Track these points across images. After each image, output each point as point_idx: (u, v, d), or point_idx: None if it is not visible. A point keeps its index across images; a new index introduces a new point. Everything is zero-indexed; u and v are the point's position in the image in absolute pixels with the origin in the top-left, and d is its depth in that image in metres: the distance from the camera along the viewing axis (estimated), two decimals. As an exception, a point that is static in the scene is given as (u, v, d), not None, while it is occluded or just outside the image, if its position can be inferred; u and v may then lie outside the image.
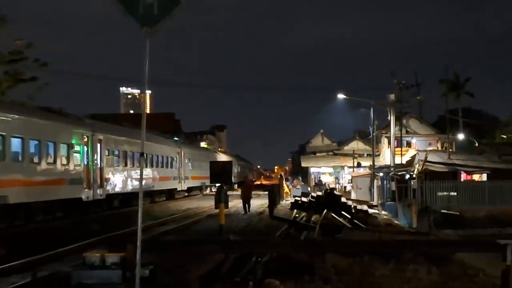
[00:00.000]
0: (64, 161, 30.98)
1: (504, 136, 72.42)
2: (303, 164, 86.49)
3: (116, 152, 38.46)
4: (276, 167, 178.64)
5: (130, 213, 29.86)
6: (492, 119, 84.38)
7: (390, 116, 51.02)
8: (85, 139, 33.37)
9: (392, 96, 50.25)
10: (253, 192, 65.63)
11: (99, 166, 34.77)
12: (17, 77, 49.25)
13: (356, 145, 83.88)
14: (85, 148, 33.30)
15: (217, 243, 14.02)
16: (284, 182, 67.92)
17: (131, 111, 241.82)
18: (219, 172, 22.40)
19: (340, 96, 59.63)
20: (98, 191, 34.27)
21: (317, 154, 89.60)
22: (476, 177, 49.35)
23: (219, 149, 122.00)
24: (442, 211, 37.97)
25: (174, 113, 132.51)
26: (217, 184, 24.15)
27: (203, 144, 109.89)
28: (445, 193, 41.16)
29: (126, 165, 39.40)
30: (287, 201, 47.79)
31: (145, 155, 33.65)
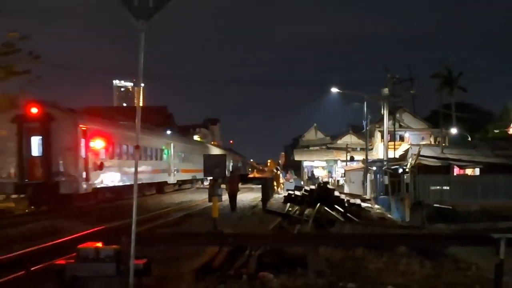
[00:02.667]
0: (160, 159, 51.39)
1: (497, 131, 72.55)
2: (296, 158, 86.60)
3: (180, 153, 58.27)
4: (269, 161, 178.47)
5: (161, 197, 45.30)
6: (485, 113, 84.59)
7: (384, 110, 51.12)
8: (167, 145, 54.04)
9: (385, 90, 50.38)
10: (245, 186, 66.03)
11: (173, 162, 55.00)
12: (10, 70, 49.13)
13: (350, 139, 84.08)
14: (167, 151, 53.78)
15: (210, 236, 14.03)
16: (280, 174, 68.01)
17: (124, 104, 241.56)
18: (212, 166, 22.35)
19: (334, 90, 59.74)
20: (173, 177, 55.25)
21: (310, 148, 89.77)
22: (469, 171, 49.49)
23: (212, 142, 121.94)
24: (435, 205, 38.05)
25: (166, 106, 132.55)
26: (209, 178, 24.18)
27: (196, 137, 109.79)
28: (438, 187, 41.26)
29: (183, 160, 58.90)
30: (280, 195, 47.81)
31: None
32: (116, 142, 39.59)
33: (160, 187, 51.56)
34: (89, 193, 35.05)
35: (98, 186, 36.45)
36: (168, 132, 73.27)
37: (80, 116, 36.73)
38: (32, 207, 33.12)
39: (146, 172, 45.82)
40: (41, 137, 33.23)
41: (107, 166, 37.42)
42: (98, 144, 35.70)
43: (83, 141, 34.19)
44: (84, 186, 34.27)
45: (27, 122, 33.11)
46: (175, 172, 56.16)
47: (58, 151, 33.10)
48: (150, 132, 52.72)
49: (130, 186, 38.44)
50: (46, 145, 33.19)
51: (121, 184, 39.57)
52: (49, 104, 35.32)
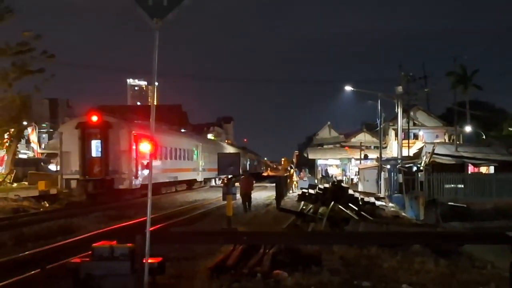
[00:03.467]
0: (191, 159, 56.73)
1: (512, 129, 72.27)
2: (310, 156, 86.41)
3: (206, 154, 62.36)
4: (283, 159, 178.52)
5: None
6: (499, 111, 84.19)
7: (398, 108, 50.93)
8: (196, 147, 59.87)
9: (399, 88, 50.18)
10: (260, 184, 66.11)
11: (200, 161, 60.88)
12: (24, 69, 49.40)
13: (363, 137, 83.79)
14: (196, 152, 59.57)
15: (224, 235, 14.05)
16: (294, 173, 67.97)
17: (138, 103, 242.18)
18: (227, 164, 22.38)
19: (348, 88, 59.62)
20: (200, 176, 60.71)
21: (324, 146, 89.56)
22: (483, 169, 49.30)
23: (226, 141, 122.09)
24: (449, 203, 37.92)
25: (180, 104, 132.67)
26: (223, 176, 24.31)
27: (210, 136, 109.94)
28: (452, 185, 41.09)
29: (208, 160, 61.62)
30: (294, 193, 47.78)
31: (172, 148, 50.60)
32: (158, 145, 44.32)
33: (191, 184, 58.12)
34: (137, 188, 40.98)
35: (145, 183, 38.96)
36: (183, 130, 76.20)
37: (132, 124, 43.39)
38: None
39: (180, 170, 52.29)
40: (100, 141, 39.38)
41: (207, 165, 56.71)
42: (145, 147, 37.14)
43: (134, 145, 39.87)
44: (134, 182, 40.38)
45: (89, 128, 39.27)
46: (202, 171, 61.96)
47: (114, 153, 39.59)
48: (183, 135, 62.77)
49: (168, 183, 49.39)
50: (104, 147, 39.36)
51: (161, 181, 46.17)
52: (107, 114, 43.31)
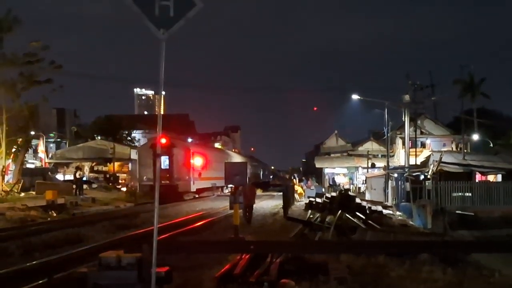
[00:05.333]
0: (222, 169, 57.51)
1: (519, 137, 72.00)
2: (317, 165, 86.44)
3: None
4: (290, 168, 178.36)
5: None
6: (507, 119, 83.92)
7: (405, 116, 50.86)
8: (226, 159, 60.61)
9: (406, 97, 50.15)
10: (266, 193, 66.20)
11: None
12: (32, 79, 49.57)
13: (371, 145, 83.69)
14: None
15: (231, 244, 14.05)
16: (297, 182, 67.96)
17: (145, 112, 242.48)
18: (233, 173, 22.35)
19: (355, 97, 59.59)
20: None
21: (331, 155, 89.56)
22: (491, 177, 49.19)
23: (233, 150, 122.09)
24: (457, 211, 37.82)
25: (188, 114, 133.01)
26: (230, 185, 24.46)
27: (217, 145, 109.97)
28: (460, 193, 41.02)
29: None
30: (301, 202, 47.72)
31: (211, 161, 60.69)
32: (207, 159, 58.25)
33: (222, 188, 65.99)
34: (194, 191, 56.49)
35: (198, 187, 57.68)
36: (189, 140, 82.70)
37: (189, 144, 66.37)
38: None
39: (216, 178, 59.27)
40: (167, 157, 53.04)
41: (202, 175, 57.57)
42: (198, 161, 56.71)
43: (191, 159, 55.24)
44: (192, 187, 55.80)
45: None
46: None
47: (177, 165, 54.30)
48: (217, 150, 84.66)
49: (208, 188, 60.98)
50: (170, 162, 53.68)
51: (204, 186, 59.68)
52: (172, 137, 59.43)
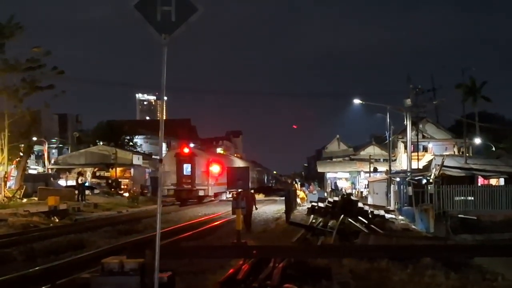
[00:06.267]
0: None
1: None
2: (319, 170, 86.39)
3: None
4: (292, 173, 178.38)
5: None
6: (509, 123, 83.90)
7: (407, 121, 50.85)
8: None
9: (408, 101, 50.14)
10: (269, 198, 66.21)
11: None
12: (34, 85, 49.62)
13: (373, 150, 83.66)
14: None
15: (234, 249, 14.04)
16: (299, 187, 67.96)
17: (147, 118, 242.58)
18: (235, 178, 22.36)
19: (356, 101, 59.59)
20: (250, 185, 65.37)
21: (333, 159, 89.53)
22: (493, 181, 49.11)
23: (235, 155, 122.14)
24: (459, 215, 37.78)
25: (189, 119, 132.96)
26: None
27: (219, 150, 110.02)
28: (462, 197, 40.98)
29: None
30: (303, 207, 47.68)
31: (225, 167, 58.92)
32: (222, 167, 59.04)
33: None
34: (211, 195, 61.74)
35: (215, 192, 62.57)
36: (192, 145, 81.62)
37: (208, 153, 74.64)
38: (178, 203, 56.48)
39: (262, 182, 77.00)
40: (189, 164, 59.57)
41: (219, 181, 59.58)
42: (215, 168, 60.78)
43: (210, 167, 60.66)
44: (210, 191, 60.96)
45: (182, 156, 59.82)
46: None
47: (197, 172, 59.80)
48: (229, 157, 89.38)
49: (221, 192, 65.14)
50: (191, 169, 59.47)
51: (222, 190, 63.79)
52: (193, 147, 71.04)
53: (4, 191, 46.16)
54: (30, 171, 64.41)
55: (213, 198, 62.38)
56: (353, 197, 43.76)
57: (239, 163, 75.18)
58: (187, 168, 59.27)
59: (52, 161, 74.77)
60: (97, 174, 73.15)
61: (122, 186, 68.00)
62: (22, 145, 55.29)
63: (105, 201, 50.01)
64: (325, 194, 62.73)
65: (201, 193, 59.60)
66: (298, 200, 54.05)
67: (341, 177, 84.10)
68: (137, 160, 76.17)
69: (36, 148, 68.83)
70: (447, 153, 63.03)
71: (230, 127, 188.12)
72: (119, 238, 25.35)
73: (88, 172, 70.23)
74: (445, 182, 41.98)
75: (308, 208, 41.11)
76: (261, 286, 11.98)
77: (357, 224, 28.89)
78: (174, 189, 58.23)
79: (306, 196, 59.57)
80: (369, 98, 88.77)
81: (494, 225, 36.54)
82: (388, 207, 47.72)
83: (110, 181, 68.29)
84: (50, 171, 67.80)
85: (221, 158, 73.92)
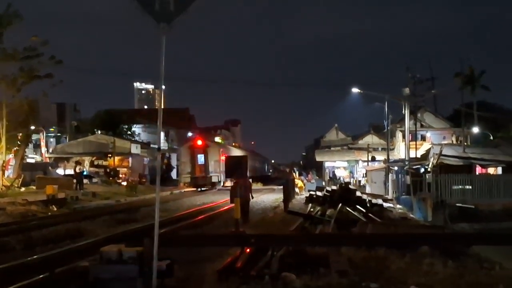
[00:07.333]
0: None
1: (520, 130, 72.01)
2: (318, 159, 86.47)
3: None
4: (290, 162, 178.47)
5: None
6: (507, 112, 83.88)
7: (405, 110, 50.87)
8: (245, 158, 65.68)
9: (406, 90, 50.16)
10: (267, 187, 66.29)
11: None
12: (32, 74, 49.53)
13: (371, 139, 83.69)
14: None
15: (232, 237, 14.07)
16: (297, 176, 68.09)
17: (145, 107, 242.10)
18: (234, 167, 22.36)
19: (355, 90, 59.56)
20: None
21: (332, 148, 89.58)
22: (491, 170, 49.18)
23: (234, 144, 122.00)
24: (457, 204, 37.87)
25: (188, 108, 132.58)
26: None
27: (217, 139, 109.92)
28: (460, 186, 41.03)
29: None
30: (301, 196, 47.73)
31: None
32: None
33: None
34: (223, 182, 65.96)
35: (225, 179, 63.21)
36: (190, 134, 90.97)
37: (220, 145, 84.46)
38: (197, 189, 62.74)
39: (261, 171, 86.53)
40: (203, 155, 65.81)
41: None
42: None
43: (221, 157, 63.66)
44: (222, 178, 64.81)
45: (196, 148, 66.28)
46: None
47: (211, 161, 66.01)
48: (241, 150, 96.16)
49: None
50: (205, 159, 65.50)
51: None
52: (206, 139, 74.75)
53: (2, 180, 46.11)
54: (28, 160, 64.32)
55: (223, 185, 66.13)
56: (351, 186, 43.86)
57: (238, 152, 77.63)
58: (200, 158, 65.80)
59: (50, 150, 74.70)
60: (95, 163, 73.01)
61: (120, 175, 67.90)
62: (20, 134, 55.23)
63: (103, 190, 49.95)
64: (323, 183, 62.77)
65: (214, 179, 65.95)
66: (296, 189, 54.06)
67: (339, 166, 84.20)
68: (135, 149, 76.04)
69: (34, 137, 68.75)
70: (445, 142, 63.09)
71: (229, 116, 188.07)
72: (117, 227, 25.39)
73: (86, 161, 70.15)
74: (443, 171, 42.01)
75: (306, 197, 41.19)
76: (259, 275, 12.02)
77: (355, 213, 28.94)
78: (191, 176, 65.18)
79: (304, 185, 59.63)
80: (367, 87, 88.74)
81: (491, 214, 36.64)
82: (386, 196, 47.81)
83: (108, 170, 68.21)
84: (48, 160, 67.77)
85: (231, 150, 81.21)
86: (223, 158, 62.27)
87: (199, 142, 67.66)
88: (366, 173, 69.59)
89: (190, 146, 68.23)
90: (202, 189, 63.20)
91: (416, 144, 55.62)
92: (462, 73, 69.39)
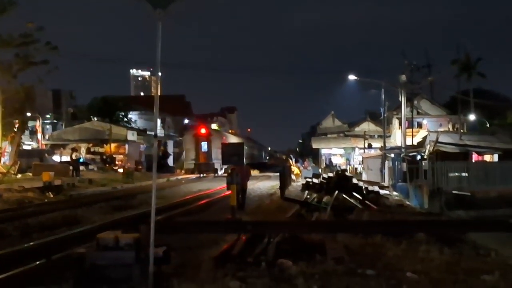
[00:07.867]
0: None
1: (516, 117, 72.08)
2: (314, 146, 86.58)
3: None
4: (287, 149, 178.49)
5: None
6: (503, 99, 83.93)
7: (401, 97, 50.88)
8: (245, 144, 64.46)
9: (403, 77, 50.15)
10: (264, 174, 66.41)
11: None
12: (28, 60, 49.46)
13: (367, 126, 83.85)
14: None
15: (229, 224, 14.08)
16: (293, 163, 68.16)
17: (142, 93, 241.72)
18: (231, 154, 22.37)
19: (351, 77, 59.52)
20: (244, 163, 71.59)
21: (328, 136, 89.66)
22: (487, 157, 49.23)
23: (230, 131, 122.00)
24: (454, 192, 37.85)
25: (184, 95, 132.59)
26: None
27: (213, 126, 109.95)
28: (456, 174, 41.00)
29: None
30: (298, 183, 47.77)
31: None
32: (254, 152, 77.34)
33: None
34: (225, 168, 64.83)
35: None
36: (186, 121, 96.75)
37: (222, 133, 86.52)
38: (200, 175, 66.33)
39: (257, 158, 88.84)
40: (206, 142, 70.82)
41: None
42: None
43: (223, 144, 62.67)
44: (225, 166, 60.17)
45: (200, 136, 72.03)
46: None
47: (213, 149, 67.76)
48: (243, 138, 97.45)
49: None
50: (208, 146, 70.31)
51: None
52: (210, 128, 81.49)
53: (-1, 167, 46.13)
54: (25, 147, 64.23)
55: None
56: (347, 173, 43.90)
57: (235, 140, 79.09)
58: (204, 146, 70.97)
59: (47, 137, 74.66)
60: (92, 150, 72.96)
61: (117, 162, 67.89)
62: (16, 120, 55.17)
63: (100, 177, 49.95)
64: (320, 170, 62.80)
65: (216, 166, 68.18)
66: (293, 176, 54.09)
67: (335, 153, 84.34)
68: (131, 136, 76.01)
69: (30, 124, 68.69)
70: (442, 129, 63.25)
71: (225, 103, 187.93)
72: (114, 213, 25.39)
73: (83, 148, 70.04)
74: (439, 158, 41.99)
75: (302, 184, 41.23)
76: (255, 261, 12.03)
77: (352, 200, 28.94)
78: (195, 163, 70.38)
79: (301, 172, 59.66)
80: (364, 74, 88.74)
81: (487, 201, 36.62)
82: (383, 183, 47.90)
83: (104, 157, 68.18)
84: (44, 147, 67.73)
85: (233, 138, 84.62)
86: None
87: (203, 130, 72.90)
88: (362, 160, 69.67)
89: (193, 134, 73.89)
90: (203, 175, 65.99)
91: (412, 131, 55.76)
92: (459, 60, 69.42)
